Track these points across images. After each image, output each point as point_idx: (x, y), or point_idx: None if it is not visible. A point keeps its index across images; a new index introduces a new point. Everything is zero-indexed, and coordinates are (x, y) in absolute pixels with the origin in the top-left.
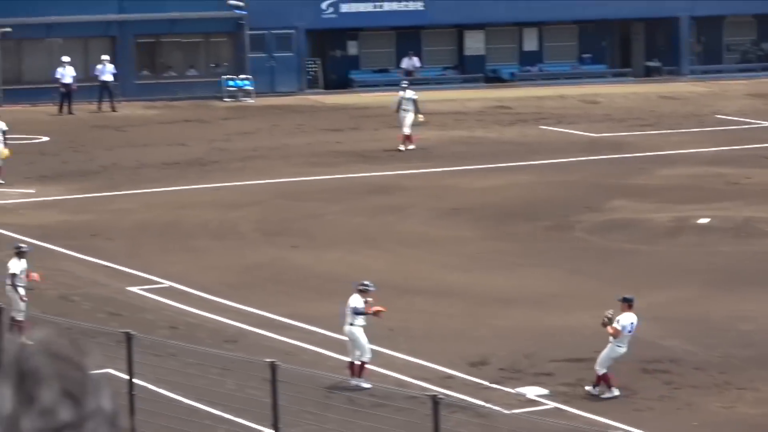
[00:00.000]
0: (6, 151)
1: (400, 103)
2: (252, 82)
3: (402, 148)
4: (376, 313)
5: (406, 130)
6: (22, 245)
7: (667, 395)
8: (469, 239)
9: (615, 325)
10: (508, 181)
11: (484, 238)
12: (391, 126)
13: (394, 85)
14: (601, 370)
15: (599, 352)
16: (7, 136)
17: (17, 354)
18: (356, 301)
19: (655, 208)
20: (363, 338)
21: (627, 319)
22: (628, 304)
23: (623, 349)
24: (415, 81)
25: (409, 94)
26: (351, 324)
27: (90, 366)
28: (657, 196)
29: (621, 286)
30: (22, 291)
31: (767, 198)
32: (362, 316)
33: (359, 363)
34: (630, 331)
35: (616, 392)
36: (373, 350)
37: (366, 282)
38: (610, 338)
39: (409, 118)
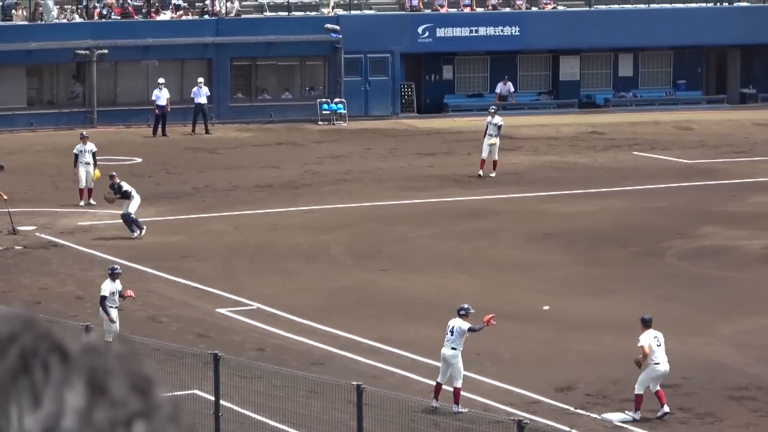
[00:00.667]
0: (97, 172)
1: (486, 129)
2: (346, 106)
3: (481, 173)
4: (488, 322)
5: (495, 156)
6: (116, 267)
7: (753, 422)
8: (560, 264)
9: (639, 345)
10: (599, 206)
11: (575, 264)
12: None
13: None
14: (637, 390)
15: (687, 378)
16: (98, 158)
17: (86, 349)
18: (462, 323)
19: (746, 235)
20: (461, 363)
21: (648, 336)
22: (644, 324)
23: (661, 366)
24: (509, 106)
25: (497, 120)
26: (453, 348)
27: (149, 368)
28: (749, 223)
29: (711, 312)
30: (113, 313)
31: None
32: (462, 341)
33: (454, 388)
34: (659, 345)
35: (634, 415)
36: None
37: (465, 306)
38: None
39: (494, 144)
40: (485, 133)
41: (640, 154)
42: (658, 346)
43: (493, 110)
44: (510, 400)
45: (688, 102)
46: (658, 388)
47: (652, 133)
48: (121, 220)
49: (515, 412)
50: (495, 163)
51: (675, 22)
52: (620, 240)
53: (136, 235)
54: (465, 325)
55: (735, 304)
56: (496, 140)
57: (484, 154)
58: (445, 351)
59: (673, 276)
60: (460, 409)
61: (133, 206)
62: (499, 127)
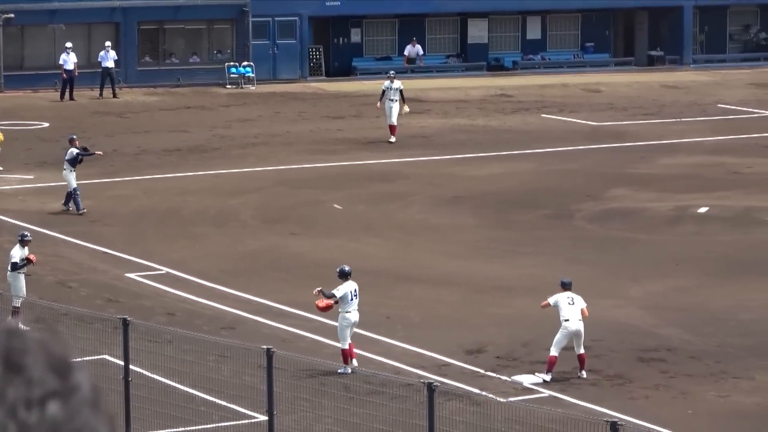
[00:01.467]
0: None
1: (384, 93)
2: (254, 69)
3: (393, 140)
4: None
5: (393, 121)
6: (26, 233)
7: (662, 384)
8: (470, 227)
9: (548, 300)
10: (508, 169)
11: (484, 227)
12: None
13: (397, 73)
14: (552, 351)
15: (597, 340)
16: (4, 122)
17: (4, 330)
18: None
19: (655, 197)
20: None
21: (561, 296)
22: (562, 287)
23: (570, 324)
24: (418, 69)
25: (396, 84)
26: (348, 312)
27: (69, 351)
28: (658, 185)
29: (620, 274)
30: (22, 278)
31: (766, 187)
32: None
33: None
34: (570, 304)
35: (545, 377)
36: (370, 338)
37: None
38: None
39: (395, 108)
40: (382, 97)
41: (549, 116)
42: (570, 304)
43: (392, 74)
44: (420, 363)
45: (596, 64)
46: (581, 351)
47: (561, 95)
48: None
49: (426, 375)
50: (394, 127)
51: None
52: (530, 203)
53: (83, 210)
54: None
55: (644, 266)
56: (397, 105)
57: (391, 120)
58: (354, 316)
59: (583, 238)
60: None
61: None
62: (401, 92)
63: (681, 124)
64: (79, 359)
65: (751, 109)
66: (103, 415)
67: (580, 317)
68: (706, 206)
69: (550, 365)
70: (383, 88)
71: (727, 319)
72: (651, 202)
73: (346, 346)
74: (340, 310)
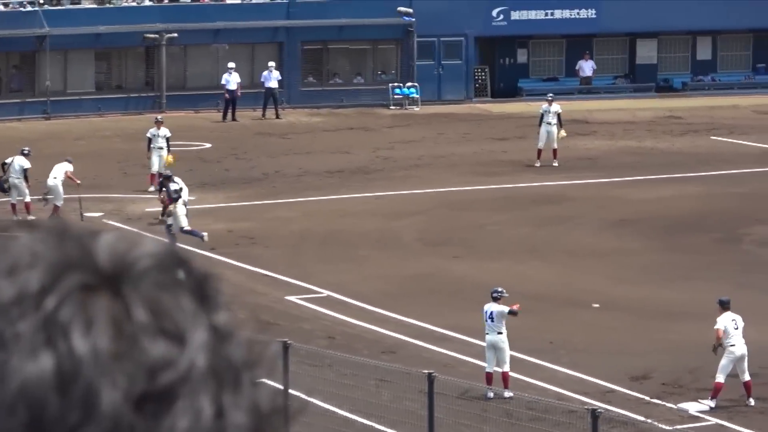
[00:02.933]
0: (170, 158)
1: (542, 117)
2: (419, 90)
3: (538, 164)
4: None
5: (554, 145)
6: None
7: None
8: (637, 251)
9: (716, 327)
10: (677, 192)
11: (652, 251)
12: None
13: (564, 93)
14: (717, 378)
15: (764, 367)
16: (170, 143)
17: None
18: (499, 307)
19: None
20: (508, 346)
21: (725, 318)
22: (722, 306)
23: (737, 349)
24: (584, 90)
25: (554, 108)
26: (500, 333)
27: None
28: None
29: None
30: None
31: None
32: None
33: (503, 373)
34: (736, 328)
35: (710, 403)
36: (533, 364)
37: (499, 289)
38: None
39: (554, 132)
40: (541, 122)
41: (719, 138)
42: (735, 329)
43: (550, 98)
44: (584, 389)
45: (767, 86)
46: (747, 377)
47: (731, 117)
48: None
49: (589, 401)
50: (555, 151)
51: (755, 4)
52: (698, 226)
53: (205, 237)
54: (504, 308)
55: None
56: (555, 128)
57: (541, 144)
58: (492, 337)
59: (752, 263)
60: (510, 394)
61: (183, 217)
62: (559, 115)
63: None
64: None
65: None
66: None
67: (744, 341)
68: None
69: (715, 392)
70: (541, 111)
71: None
72: None
73: (490, 370)
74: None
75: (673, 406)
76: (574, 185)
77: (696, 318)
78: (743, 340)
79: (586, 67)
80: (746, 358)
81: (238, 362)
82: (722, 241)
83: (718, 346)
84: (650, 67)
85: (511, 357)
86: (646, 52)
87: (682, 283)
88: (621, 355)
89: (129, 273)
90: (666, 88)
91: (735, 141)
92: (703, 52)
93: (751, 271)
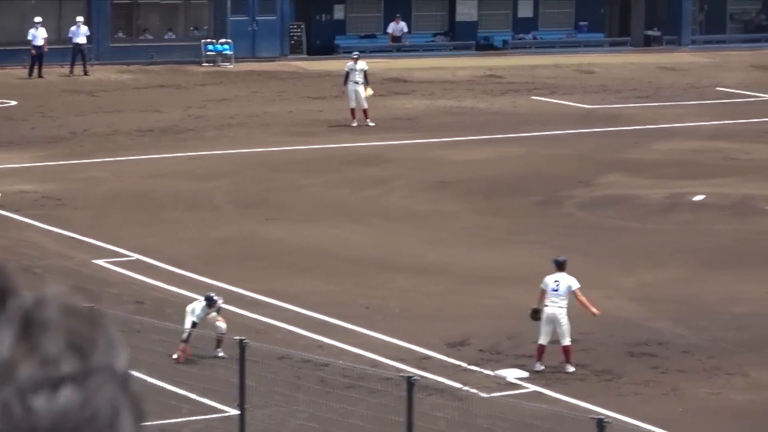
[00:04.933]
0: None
1: (347, 76)
2: (232, 47)
3: (355, 123)
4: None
5: (364, 105)
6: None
7: (652, 380)
8: (456, 214)
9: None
10: (497, 153)
11: (472, 213)
12: (378, 93)
13: (381, 51)
14: (539, 340)
15: (585, 333)
16: None
17: (28, 303)
18: (572, 280)
19: (649, 184)
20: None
21: (549, 279)
22: (556, 266)
23: (548, 309)
24: (403, 48)
25: (360, 65)
26: (561, 306)
27: (105, 326)
28: (652, 171)
29: (611, 264)
30: None
31: (766, 174)
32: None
33: (565, 346)
34: (555, 290)
35: (538, 366)
36: (348, 330)
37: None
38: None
39: (361, 91)
40: (346, 80)
41: (540, 98)
42: (554, 290)
43: (356, 55)
44: (400, 355)
45: (590, 44)
46: (566, 342)
47: (553, 77)
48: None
49: (405, 368)
50: (365, 111)
51: None
52: (519, 189)
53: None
54: (575, 282)
55: (636, 256)
56: (362, 87)
57: (353, 103)
58: (553, 310)
59: (574, 226)
60: (572, 368)
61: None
62: (365, 73)
63: (677, 108)
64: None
65: (751, 93)
66: (128, 397)
67: (561, 304)
68: (702, 194)
69: (538, 354)
70: (347, 69)
71: (722, 312)
72: (645, 189)
73: (544, 342)
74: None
75: (491, 372)
76: (392, 146)
77: (516, 282)
78: (563, 303)
79: (397, 30)
80: (563, 322)
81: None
82: (543, 204)
83: (539, 309)
84: (470, 24)
85: (324, 322)
86: (466, 10)
87: (502, 247)
88: (438, 320)
89: None
90: (486, 47)
91: (556, 101)
92: (525, 9)
93: (571, 235)
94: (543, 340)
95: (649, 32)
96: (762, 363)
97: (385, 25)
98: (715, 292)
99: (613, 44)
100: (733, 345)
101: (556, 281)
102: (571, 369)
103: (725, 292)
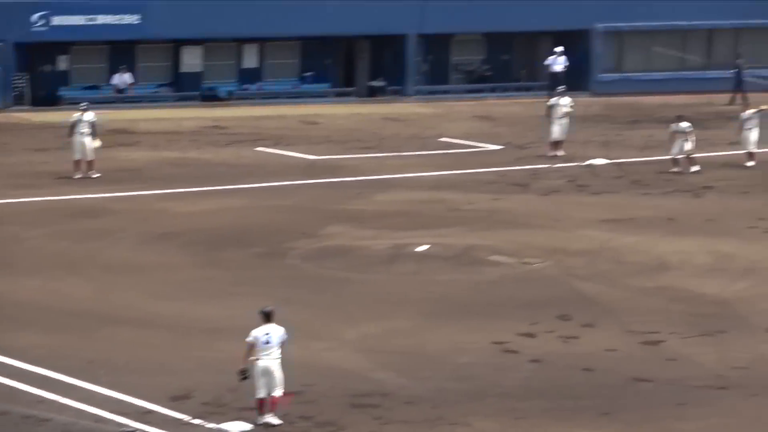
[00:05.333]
0: None
1: (73, 127)
2: None
3: (79, 175)
4: None
5: (89, 155)
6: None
7: (376, 431)
8: (179, 266)
9: (247, 339)
10: (220, 205)
11: (194, 265)
12: (103, 145)
13: (106, 102)
14: (257, 393)
15: (308, 385)
16: None
17: None
18: (282, 331)
19: (372, 235)
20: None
21: (259, 330)
22: (263, 317)
23: (260, 362)
24: (127, 99)
25: (88, 116)
26: (276, 358)
27: None
28: (375, 222)
29: (333, 316)
30: None
31: (489, 225)
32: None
33: (274, 397)
34: (267, 342)
35: (271, 420)
36: (70, 384)
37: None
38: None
39: (88, 142)
40: (72, 131)
41: (264, 149)
42: (266, 343)
43: (84, 107)
44: (122, 409)
45: (315, 95)
46: (278, 393)
47: (277, 127)
48: None
49: (127, 423)
50: (91, 162)
51: (302, 12)
52: (242, 240)
53: None
54: (284, 334)
55: (359, 308)
56: (89, 139)
57: (78, 155)
58: (266, 362)
59: (297, 278)
60: (277, 421)
61: None
62: (93, 124)
63: (401, 159)
64: None
65: (474, 143)
66: None
67: (275, 355)
68: (425, 244)
69: (260, 408)
70: (73, 120)
71: (445, 362)
72: (368, 240)
73: (263, 396)
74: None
75: (215, 425)
76: (115, 198)
77: (237, 334)
78: (276, 354)
79: (121, 81)
80: (277, 375)
81: None
82: (266, 256)
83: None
84: (195, 75)
85: (46, 377)
86: (191, 60)
87: (224, 299)
88: (161, 374)
89: None
90: (211, 97)
91: (281, 152)
92: (249, 60)
93: (294, 286)
94: (262, 394)
95: (374, 83)
96: (485, 412)
97: (110, 76)
98: (439, 342)
99: (338, 95)
100: (457, 395)
101: (266, 333)
102: (277, 422)
103: (448, 343)
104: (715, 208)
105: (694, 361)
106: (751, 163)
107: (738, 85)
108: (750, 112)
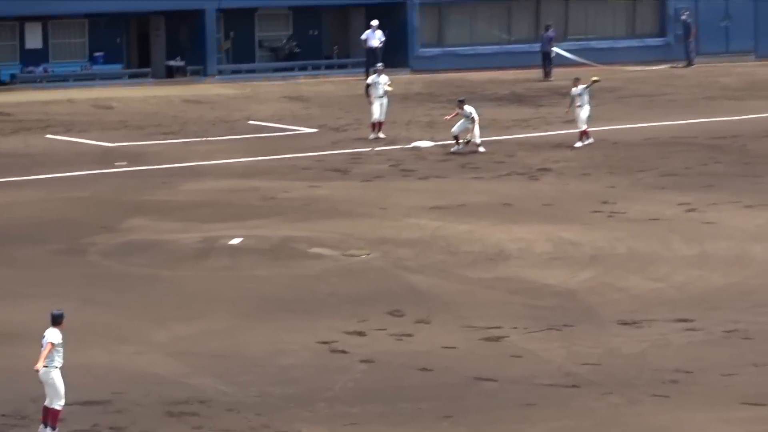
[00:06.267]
0: None
1: None
2: None
3: None
4: None
5: None
6: None
7: None
8: None
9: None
10: (9, 198)
11: None
12: None
13: None
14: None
15: (117, 393)
16: None
17: None
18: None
19: (180, 228)
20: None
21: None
22: (53, 321)
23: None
24: None
25: None
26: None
27: None
28: (182, 213)
29: (141, 316)
30: None
31: (307, 214)
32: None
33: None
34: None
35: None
36: None
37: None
38: None
39: None
40: None
41: (55, 137)
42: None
43: None
44: None
45: (107, 77)
46: (54, 405)
47: (68, 113)
48: None
49: None
50: None
51: None
52: (35, 236)
53: None
54: (56, 338)
55: (169, 307)
56: None
57: None
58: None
59: (98, 276)
60: None
61: None
62: None
63: (206, 144)
64: None
65: (286, 126)
66: None
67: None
68: (239, 237)
69: (51, 419)
70: None
71: (267, 365)
72: (175, 234)
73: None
74: None
75: None
76: None
77: (35, 339)
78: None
79: None
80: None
81: None
82: (63, 253)
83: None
84: None
85: None
86: None
87: (19, 301)
88: None
89: None
90: None
91: (73, 139)
92: (33, 40)
93: (97, 286)
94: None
95: (172, 63)
96: (313, 419)
97: None
98: (259, 343)
99: (132, 76)
100: (282, 400)
101: (43, 337)
102: None
103: (270, 344)
104: (553, 191)
105: (541, 357)
106: (578, 144)
107: (545, 58)
108: (580, 87)
